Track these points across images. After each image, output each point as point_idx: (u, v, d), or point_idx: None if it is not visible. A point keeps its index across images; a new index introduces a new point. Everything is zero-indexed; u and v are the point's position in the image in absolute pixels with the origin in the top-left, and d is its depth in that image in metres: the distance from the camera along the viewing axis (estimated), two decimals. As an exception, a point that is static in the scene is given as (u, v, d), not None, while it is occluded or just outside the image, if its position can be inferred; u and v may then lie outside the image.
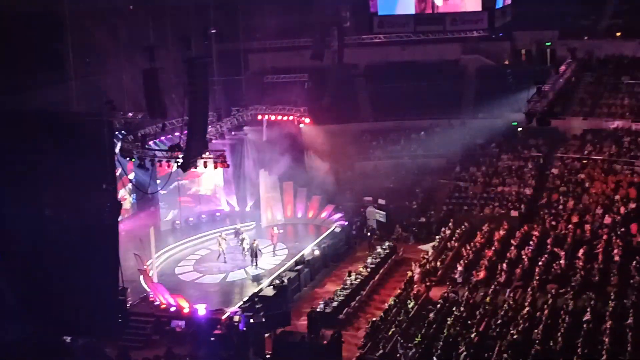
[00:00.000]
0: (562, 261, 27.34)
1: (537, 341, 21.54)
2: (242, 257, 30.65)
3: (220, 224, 34.87)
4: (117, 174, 27.02)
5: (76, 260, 24.52)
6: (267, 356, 22.99)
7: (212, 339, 23.84)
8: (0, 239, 25.26)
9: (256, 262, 29.95)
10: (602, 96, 39.23)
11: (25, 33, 27.43)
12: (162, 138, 30.03)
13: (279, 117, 34.63)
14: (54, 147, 24.54)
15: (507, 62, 44.12)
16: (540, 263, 27.30)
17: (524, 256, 28.23)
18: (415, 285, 27.19)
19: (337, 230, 33.11)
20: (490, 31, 42.07)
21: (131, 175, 31.31)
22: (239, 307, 25.72)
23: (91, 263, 24.63)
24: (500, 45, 44.16)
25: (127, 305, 26.10)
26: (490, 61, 43.79)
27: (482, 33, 40.30)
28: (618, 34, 41.93)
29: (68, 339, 24.03)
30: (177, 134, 29.15)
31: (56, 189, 24.68)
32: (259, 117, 35.06)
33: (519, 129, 38.66)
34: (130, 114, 27.01)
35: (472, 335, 22.30)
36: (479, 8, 37.04)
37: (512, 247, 29.25)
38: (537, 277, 26.24)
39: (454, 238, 31.57)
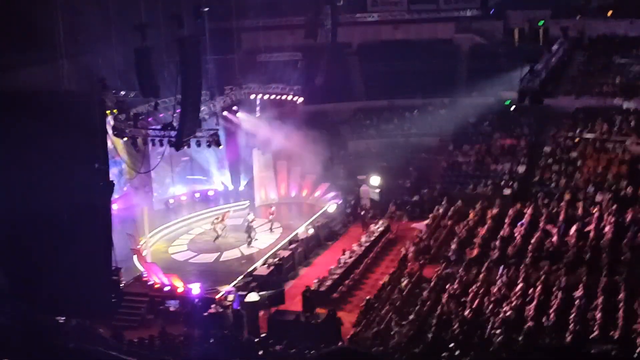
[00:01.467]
0: (554, 238, 27.50)
1: (529, 318, 21.73)
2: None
3: (213, 204, 34.87)
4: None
5: (69, 240, 24.50)
6: (262, 335, 23.09)
7: (206, 317, 23.96)
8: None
9: (250, 241, 29.97)
10: (594, 75, 39.29)
11: (15, 11, 27.12)
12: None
13: (272, 96, 34.50)
14: (45, 126, 24.40)
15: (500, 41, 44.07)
16: (532, 240, 27.44)
17: (516, 234, 28.37)
18: (409, 263, 27.30)
19: (331, 209, 33.14)
20: (483, 10, 42.02)
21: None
22: (233, 286, 25.76)
23: (84, 243, 24.62)
24: (493, 24, 44.05)
25: (121, 285, 26.11)
26: (483, 40, 43.69)
27: (475, 12, 40.20)
28: (609, 13, 41.88)
29: (61, 320, 24.03)
30: (169, 112, 28.99)
31: (48, 169, 24.59)
32: (252, 96, 34.91)
33: (512, 107, 38.67)
34: (122, 93, 26.85)
35: (465, 313, 22.45)
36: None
37: (505, 225, 29.36)
38: (530, 255, 26.39)
39: (447, 216, 31.67)
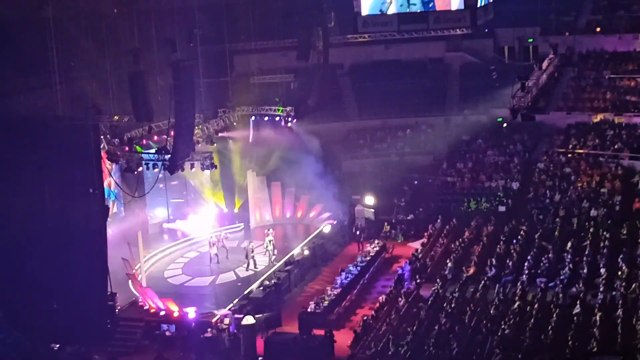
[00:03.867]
0: (550, 255, 27.51)
1: (527, 335, 21.67)
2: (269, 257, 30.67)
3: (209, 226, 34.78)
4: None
5: (64, 265, 24.42)
6: (259, 358, 22.96)
7: (203, 341, 23.81)
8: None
9: (249, 264, 29.93)
10: (585, 91, 39.54)
11: (9, 38, 27.19)
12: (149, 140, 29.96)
13: (266, 118, 34.58)
14: (40, 152, 24.43)
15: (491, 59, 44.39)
16: (529, 257, 27.46)
17: (512, 251, 28.38)
18: (405, 283, 27.24)
19: (326, 229, 33.10)
20: (473, 29, 42.31)
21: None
22: (229, 309, 25.65)
23: (79, 268, 24.54)
24: (483, 42, 44.37)
25: (116, 310, 25.95)
26: (474, 58, 43.99)
27: (465, 31, 40.50)
28: (598, 29, 42.28)
29: (56, 347, 23.86)
30: (163, 136, 29.03)
31: (42, 194, 24.55)
32: (245, 118, 34.97)
33: (504, 124, 38.86)
34: (116, 117, 26.88)
35: (464, 331, 22.38)
36: (461, 6, 37.41)
37: (501, 242, 29.38)
38: (526, 272, 26.38)
39: (442, 234, 31.67)
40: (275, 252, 30.91)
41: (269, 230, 32.06)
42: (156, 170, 26.19)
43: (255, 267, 29.95)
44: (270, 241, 30.91)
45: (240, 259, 30.42)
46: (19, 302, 24.91)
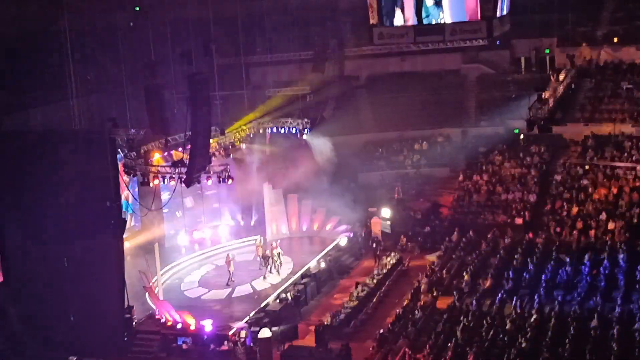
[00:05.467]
0: (567, 268, 27.28)
1: (545, 349, 21.48)
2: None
3: (225, 239, 34.85)
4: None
5: (81, 279, 24.60)
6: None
7: (219, 354, 23.83)
8: (4, 258, 25.37)
9: (270, 269, 30.21)
10: (602, 102, 39.27)
11: (27, 52, 27.58)
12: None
13: (282, 130, 34.70)
14: (57, 165, 24.67)
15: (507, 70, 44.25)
16: (546, 270, 27.23)
17: (529, 264, 28.17)
18: (422, 296, 27.12)
19: (343, 242, 33.05)
20: (490, 40, 42.24)
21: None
22: (246, 322, 25.66)
23: (96, 281, 24.72)
24: (500, 53, 44.28)
25: (133, 323, 26.07)
26: (490, 69, 43.89)
27: (481, 42, 40.48)
28: (615, 40, 42.02)
29: (74, 359, 23.99)
30: (180, 149, 29.21)
31: (60, 208, 24.76)
32: (262, 130, 35.14)
33: (521, 136, 38.68)
34: (133, 131, 27.10)
35: (480, 345, 22.22)
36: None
37: (518, 255, 29.19)
38: (544, 284, 26.16)
39: (459, 247, 31.51)
40: (281, 264, 30.83)
41: (274, 243, 31.97)
42: (172, 183, 26.32)
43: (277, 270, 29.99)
44: (279, 254, 30.83)
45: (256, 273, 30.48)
46: (36, 314, 25.11)
